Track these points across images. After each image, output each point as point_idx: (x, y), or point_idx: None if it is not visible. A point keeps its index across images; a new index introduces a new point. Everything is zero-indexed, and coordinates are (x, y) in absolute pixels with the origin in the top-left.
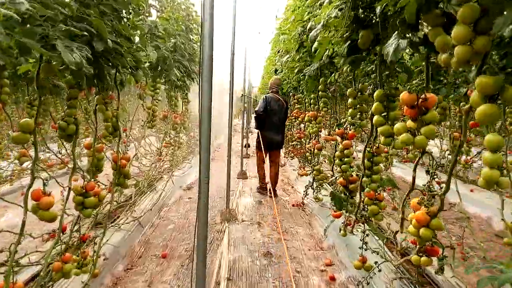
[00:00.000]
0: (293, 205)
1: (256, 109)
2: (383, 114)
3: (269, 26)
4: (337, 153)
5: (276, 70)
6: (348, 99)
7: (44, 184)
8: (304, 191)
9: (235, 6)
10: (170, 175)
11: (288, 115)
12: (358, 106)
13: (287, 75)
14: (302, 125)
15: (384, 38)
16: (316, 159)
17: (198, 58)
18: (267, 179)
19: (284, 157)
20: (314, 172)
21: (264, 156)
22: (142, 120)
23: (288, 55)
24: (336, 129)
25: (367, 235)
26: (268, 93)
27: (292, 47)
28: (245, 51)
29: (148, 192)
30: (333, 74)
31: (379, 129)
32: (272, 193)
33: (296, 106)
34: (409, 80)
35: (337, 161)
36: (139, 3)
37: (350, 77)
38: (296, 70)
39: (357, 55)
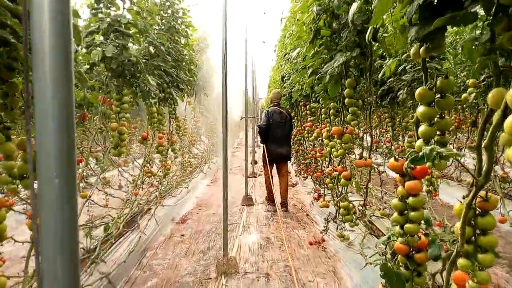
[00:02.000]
0: (310, 243)
1: (259, 124)
2: None
3: (275, 34)
4: (394, 201)
5: (283, 77)
6: (418, 106)
7: None
8: (324, 226)
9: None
10: (153, 210)
11: (295, 126)
12: (437, 119)
13: (297, 80)
14: (316, 141)
15: None
16: (343, 191)
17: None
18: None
19: (296, 175)
20: (341, 210)
21: (270, 170)
22: (106, 147)
23: (298, 49)
24: (393, 160)
25: None
26: (270, 107)
27: (304, 38)
28: (246, 58)
29: (129, 232)
30: (389, 62)
31: None
32: (281, 208)
33: (309, 118)
34: None
35: (395, 215)
36: None
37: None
38: (309, 72)
39: (445, 16)
